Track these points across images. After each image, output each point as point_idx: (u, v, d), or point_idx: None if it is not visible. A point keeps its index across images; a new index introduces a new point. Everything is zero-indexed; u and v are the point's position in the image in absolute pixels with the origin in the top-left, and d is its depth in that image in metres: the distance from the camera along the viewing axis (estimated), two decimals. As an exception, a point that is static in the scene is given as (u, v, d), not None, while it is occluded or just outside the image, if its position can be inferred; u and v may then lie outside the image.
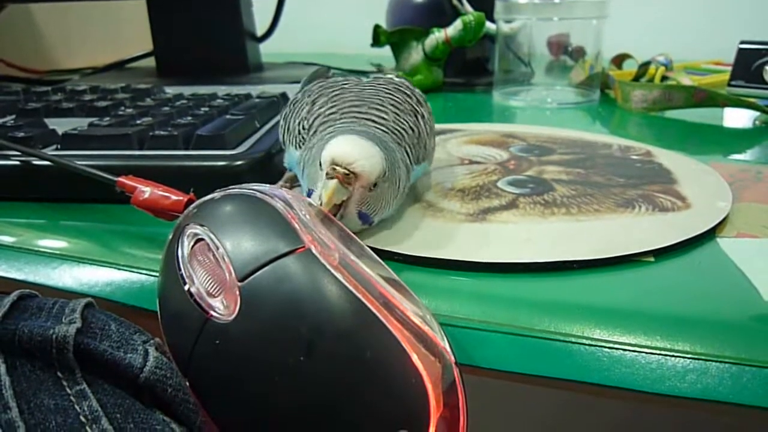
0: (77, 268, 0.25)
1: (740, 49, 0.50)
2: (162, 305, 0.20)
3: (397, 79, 0.30)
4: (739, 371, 0.18)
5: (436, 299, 0.21)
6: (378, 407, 0.17)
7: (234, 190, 0.21)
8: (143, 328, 0.19)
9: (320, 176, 0.22)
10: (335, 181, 0.21)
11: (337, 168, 0.21)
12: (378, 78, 0.30)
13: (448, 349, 0.19)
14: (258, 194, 0.20)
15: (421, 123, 0.27)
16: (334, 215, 0.22)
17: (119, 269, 0.24)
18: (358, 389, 0.17)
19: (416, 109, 0.28)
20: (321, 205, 0.21)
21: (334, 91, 0.27)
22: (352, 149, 0.21)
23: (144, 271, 0.24)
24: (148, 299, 0.23)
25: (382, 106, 0.26)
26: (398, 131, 0.26)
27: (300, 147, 0.26)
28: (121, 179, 0.24)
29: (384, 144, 0.23)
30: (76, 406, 0.16)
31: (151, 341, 0.19)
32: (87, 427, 0.16)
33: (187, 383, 0.18)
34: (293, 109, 0.28)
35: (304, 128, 0.26)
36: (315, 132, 0.25)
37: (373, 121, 0.25)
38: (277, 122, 0.35)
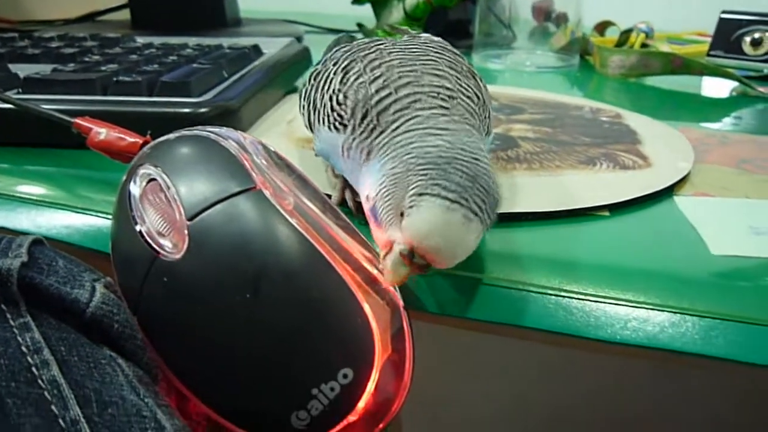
0: (35, 211, 0.24)
1: (721, 19, 0.50)
2: (114, 246, 0.20)
3: (435, 38, 0.25)
4: (680, 320, 0.18)
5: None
6: (324, 347, 0.17)
7: (188, 131, 0.21)
8: (101, 271, 0.19)
9: (395, 221, 0.18)
10: (407, 269, 0.18)
11: (416, 259, 0.17)
12: (414, 37, 0.25)
13: (398, 294, 0.19)
14: (212, 136, 0.20)
15: (482, 85, 0.23)
16: None
17: (76, 212, 0.24)
18: (304, 329, 0.17)
19: (471, 70, 0.23)
20: (383, 275, 0.18)
21: (369, 54, 0.22)
22: (443, 240, 0.17)
23: (101, 214, 0.24)
24: (105, 242, 0.23)
25: (440, 70, 0.21)
26: (468, 106, 0.21)
27: (335, 127, 0.21)
28: (77, 120, 0.24)
29: (484, 189, 0.17)
30: (18, 338, 0.16)
31: (102, 279, 0.19)
32: (28, 357, 0.16)
33: (136, 321, 0.18)
34: (316, 83, 0.23)
35: (338, 103, 0.21)
36: (366, 116, 0.20)
37: (442, 100, 0.20)
38: (247, 73, 0.34)
